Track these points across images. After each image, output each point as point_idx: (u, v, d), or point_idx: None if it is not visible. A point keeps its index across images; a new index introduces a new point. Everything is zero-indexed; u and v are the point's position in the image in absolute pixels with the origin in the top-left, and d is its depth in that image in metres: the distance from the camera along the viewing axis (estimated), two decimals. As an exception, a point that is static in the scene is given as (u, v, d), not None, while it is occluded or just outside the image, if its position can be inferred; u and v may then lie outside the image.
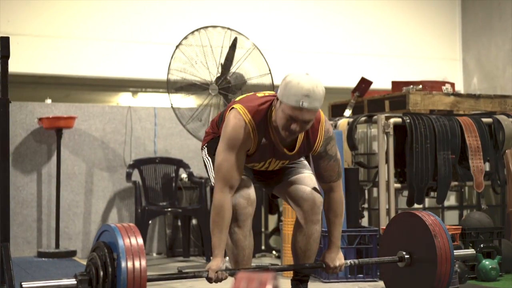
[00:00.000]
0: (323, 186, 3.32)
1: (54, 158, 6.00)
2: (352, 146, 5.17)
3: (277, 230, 6.09)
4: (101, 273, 2.82)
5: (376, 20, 7.85)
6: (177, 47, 5.23)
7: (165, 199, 6.07)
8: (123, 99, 9.55)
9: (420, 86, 5.37)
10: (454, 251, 3.46)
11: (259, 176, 3.45)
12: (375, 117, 5.10)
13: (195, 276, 3.17)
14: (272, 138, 3.15)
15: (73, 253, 5.91)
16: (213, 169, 3.23)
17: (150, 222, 5.79)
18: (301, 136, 3.17)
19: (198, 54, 5.24)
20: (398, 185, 5.04)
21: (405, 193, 5.01)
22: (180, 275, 3.37)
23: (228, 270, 3.17)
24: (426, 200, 5.63)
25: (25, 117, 6.05)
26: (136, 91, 8.91)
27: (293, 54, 7.47)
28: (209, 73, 5.17)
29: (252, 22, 7.18)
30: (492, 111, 5.47)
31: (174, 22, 6.90)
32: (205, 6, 7.05)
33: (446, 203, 5.73)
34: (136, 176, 6.02)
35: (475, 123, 5.07)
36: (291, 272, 3.57)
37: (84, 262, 4.96)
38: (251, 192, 3.22)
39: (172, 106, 5.28)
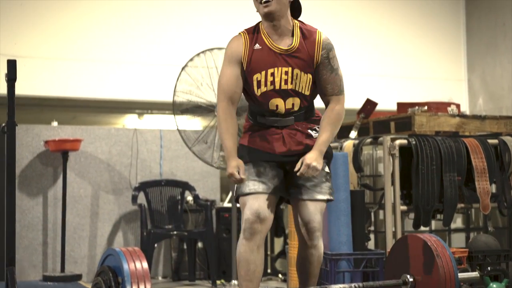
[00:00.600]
0: (326, 99, 3.32)
1: (60, 181, 6.00)
2: (358, 168, 5.16)
3: (283, 253, 6.07)
4: (106, 298, 2.81)
5: (380, 40, 7.87)
6: (182, 69, 5.25)
7: (171, 222, 6.06)
8: (129, 121, 9.56)
9: (426, 107, 5.36)
10: (459, 274, 3.43)
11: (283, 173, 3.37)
12: (380, 138, 5.10)
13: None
14: (265, 41, 3.24)
15: (79, 277, 5.89)
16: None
17: (155, 245, 5.78)
18: (297, 35, 3.26)
19: (203, 76, 5.26)
20: (404, 208, 5.01)
21: (412, 215, 4.99)
22: (186, 299, 3.35)
23: None
24: (433, 222, 5.59)
25: (31, 139, 6.07)
26: (142, 113, 8.92)
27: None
28: (215, 94, 5.18)
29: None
30: (498, 132, 5.46)
31: (180, 43, 6.93)
32: (210, 28, 7.07)
33: (452, 226, 5.70)
34: (141, 199, 6.02)
35: (481, 144, 5.06)
36: (297, 295, 3.56)
37: (89, 286, 4.95)
38: (260, 208, 3.19)
39: (178, 129, 5.29)
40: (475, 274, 3.73)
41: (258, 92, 3.26)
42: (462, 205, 5.09)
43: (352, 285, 3.46)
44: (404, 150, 5.01)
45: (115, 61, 6.82)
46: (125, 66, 6.84)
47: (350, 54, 7.71)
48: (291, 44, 3.25)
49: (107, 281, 2.83)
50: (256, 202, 3.21)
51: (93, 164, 6.24)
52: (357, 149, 5.17)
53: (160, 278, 6.23)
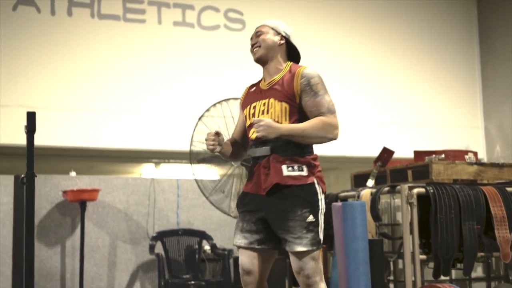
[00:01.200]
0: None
1: (78, 230, 6.02)
2: (376, 217, 5.13)
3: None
4: None
5: (396, 89, 7.90)
6: (199, 119, 5.29)
7: (188, 272, 6.03)
8: (146, 170, 9.61)
9: (443, 156, 5.35)
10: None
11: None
12: (398, 187, 5.08)
13: None
14: (260, 83, 3.56)
15: (96, 327, 5.86)
16: None
17: (173, 295, 5.75)
18: (283, 72, 3.48)
19: (220, 125, 5.29)
20: (423, 257, 4.96)
21: (431, 264, 4.94)
22: None
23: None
24: (453, 271, 5.53)
25: (49, 190, 6.10)
26: (159, 162, 8.97)
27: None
28: (232, 145, 5.20)
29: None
30: (516, 180, 5.42)
31: (196, 94, 7.00)
32: (226, 79, 7.15)
33: (473, 275, 5.63)
34: (159, 248, 6.01)
35: (499, 192, 5.03)
36: None
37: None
38: (243, 262, 3.40)
39: (195, 178, 5.31)
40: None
41: (247, 125, 3.53)
42: (482, 254, 5.04)
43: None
44: (422, 199, 4.98)
45: (132, 111, 6.89)
46: (142, 116, 6.90)
47: (367, 102, 7.74)
48: (274, 79, 3.49)
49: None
50: (241, 256, 3.44)
51: (110, 214, 6.26)
52: (375, 198, 5.15)
53: (177, 328, 6.18)
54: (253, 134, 3.40)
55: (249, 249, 3.40)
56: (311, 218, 3.37)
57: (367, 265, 4.50)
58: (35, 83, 6.93)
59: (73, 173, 6.52)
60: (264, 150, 3.40)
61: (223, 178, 5.40)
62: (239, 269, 3.43)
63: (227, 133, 5.22)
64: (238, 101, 5.27)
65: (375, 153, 6.06)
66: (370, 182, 5.71)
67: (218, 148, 3.44)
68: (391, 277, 5.49)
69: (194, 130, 5.32)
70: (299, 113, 3.40)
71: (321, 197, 3.43)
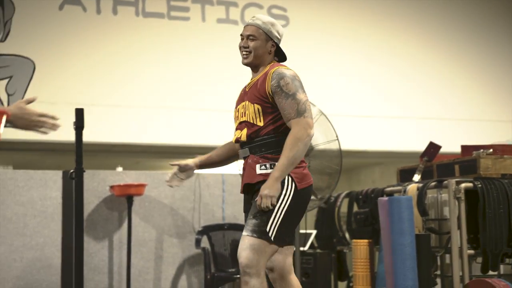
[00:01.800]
0: (288, 126, 3.45)
1: (125, 225, 6.10)
2: (423, 211, 5.10)
3: (347, 297, 6.00)
4: None
5: (443, 84, 7.82)
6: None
7: (234, 265, 6.07)
8: (191, 165, 9.68)
9: (491, 150, 5.28)
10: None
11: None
12: (445, 182, 5.03)
13: None
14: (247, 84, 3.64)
15: (143, 320, 5.93)
16: None
17: (219, 288, 5.79)
18: (258, 77, 3.56)
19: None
20: (471, 252, 4.91)
21: (479, 259, 4.88)
22: None
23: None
24: (501, 266, 5.46)
25: (97, 184, 6.19)
26: (203, 158, 9.03)
27: (359, 119, 7.49)
28: (277, 140, 5.21)
29: (318, 89, 7.25)
30: None
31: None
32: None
33: (522, 270, 5.54)
34: (205, 242, 6.06)
35: (549, 187, 4.94)
36: None
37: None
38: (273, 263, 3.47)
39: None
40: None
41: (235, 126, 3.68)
42: (532, 249, 4.96)
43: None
44: (469, 193, 4.93)
45: (177, 108, 6.95)
46: (187, 112, 6.97)
47: (413, 97, 7.68)
48: (253, 80, 3.58)
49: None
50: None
51: (157, 209, 6.33)
52: (421, 193, 5.11)
53: (223, 322, 6.22)
54: (234, 137, 3.63)
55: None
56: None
57: (414, 260, 4.48)
58: (82, 81, 7.05)
59: (119, 169, 6.60)
60: (244, 152, 3.55)
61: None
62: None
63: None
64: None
65: (421, 148, 6.01)
66: (417, 177, 5.67)
67: (175, 183, 3.83)
68: (438, 272, 5.44)
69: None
70: (275, 112, 3.46)
71: (288, 193, 3.39)
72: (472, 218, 4.94)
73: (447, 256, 5.45)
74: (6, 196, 5.81)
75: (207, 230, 6.16)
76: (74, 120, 4.04)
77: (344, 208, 6.17)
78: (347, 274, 6.22)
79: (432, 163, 5.68)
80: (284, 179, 3.37)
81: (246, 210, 3.58)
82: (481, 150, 5.26)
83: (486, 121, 7.87)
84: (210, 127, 6.98)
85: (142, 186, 6.08)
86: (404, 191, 5.25)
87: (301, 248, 5.79)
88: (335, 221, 6.19)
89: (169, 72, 7.02)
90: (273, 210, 3.34)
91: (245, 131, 3.53)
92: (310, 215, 5.75)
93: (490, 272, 4.88)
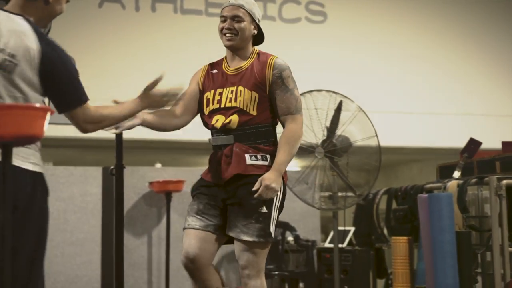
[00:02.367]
0: (282, 119, 3.39)
1: (164, 221, 6.14)
2: (463, 208, 5.03)
3: (386, 295, 5.96)
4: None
5: (483, 80, 7.73)
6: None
7: (272, 262, 6.07)
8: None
9: (533, 146, 5.21)
10: None
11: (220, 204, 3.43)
12: (486, 178, 4.97)
13: None
14: (223, 66, 3.50)
15: (182, 315, 5.97)
16: None
17: (257, 285, 5.80)
18: (251, 58, 3.46)
19: (303, 117, 5.30)
20: (513, 249, 4.85)
21: (521, 257, 4.82)
22: None
23: None
24: (544, 264, 5.37)
25: (136, 181, 6.24)
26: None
27: (398, 115, 7.43)
28: (315, 136, 5.21)
29: (357, 85, 7.21)
30: None
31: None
32: (308, 70, 7.14)
33: None
34: (242, 238, 6.07)
35: None
36: None
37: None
38: (189, 247, 3.33)
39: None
40: None
41: (206, 111, 3.48)
42: None
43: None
44: (511, 190, 4.86)
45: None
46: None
47: (452, 93, 7.60)
48: (241, 66, 3.44)
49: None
50: (187, 241, 3.34)
51: (195, 205, 6.36)
52: (462, 190, 5.05)
53: (261, 318, 6.23)
54: (217, 122, 3.41)
55: (205, 231, 3.34)
56: (263, 209, 3.30)
57: (455, 257, 4.43)
58: (121, 78, 7.11)
59: (158, 165, 6.64)
60: (226, 139, 3.39)
61: (306, 169, 5.40)
62: (183, 262, 3.38)
63: (310, 125, 5.22)
64: (322, 93, 5.29)
65: (461, 144, 5.94)
66: (457, 174, 5.60)
67: (118, 130, 3.49)
68: (479, 270, 5.37)
69: (278, 122, 5.34)
70: (268, 102, 3.41)
71: (281, 190, 3.36)
72: (514, 216, 4.87)
73: (488, 253, 5.38)
74: (47, 192, 5.90)
75: (245, 227, 6.17)
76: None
77: (382, 205, 6.13)
78: (386, 272, 6.18)
79: (473, 160, 5.61)
80: None
81: (209, 194, 3.41)
82: (523, 147, 5.19)
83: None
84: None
85: (180, 182, 6.12)
86: (444, 188, 5.19)
87: (340, 245, 5.76)
88: (373, 218, 6.15)
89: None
90: (271, 210, 3.32)
91: (235, 117, 3.37)
92: (348, 212, 5.72)
93: (533, 270, 4.80)
